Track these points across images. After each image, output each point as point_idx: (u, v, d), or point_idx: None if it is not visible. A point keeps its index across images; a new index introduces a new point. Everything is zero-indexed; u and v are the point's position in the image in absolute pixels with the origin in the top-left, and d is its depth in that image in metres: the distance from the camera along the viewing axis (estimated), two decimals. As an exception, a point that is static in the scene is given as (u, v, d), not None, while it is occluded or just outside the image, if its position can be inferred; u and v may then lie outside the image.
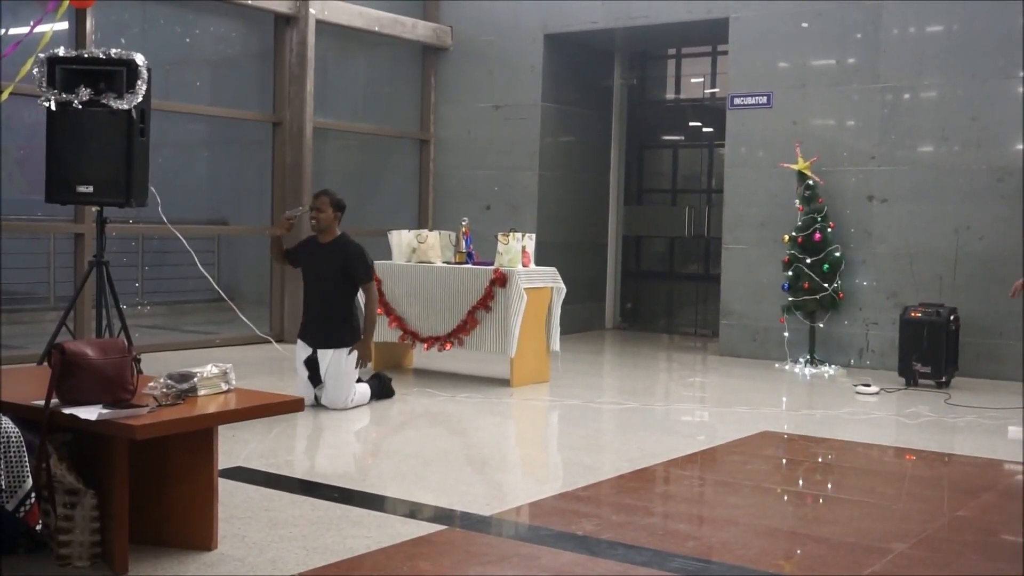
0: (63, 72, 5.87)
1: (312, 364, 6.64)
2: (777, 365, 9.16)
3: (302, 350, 6.71)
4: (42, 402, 3.52)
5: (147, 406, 3.60)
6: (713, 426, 6.69)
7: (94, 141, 5.94)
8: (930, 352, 8.13)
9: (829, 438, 6.26)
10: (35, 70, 5.93)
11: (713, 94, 12.05)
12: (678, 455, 5.68)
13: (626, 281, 12.34)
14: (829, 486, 5.36)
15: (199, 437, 3.80)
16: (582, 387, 7.86)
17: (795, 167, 9.11)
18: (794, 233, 9.05)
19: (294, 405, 4.10)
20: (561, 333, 8.00)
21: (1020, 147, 8.52)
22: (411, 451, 5.69)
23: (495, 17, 11.16)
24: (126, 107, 5.90)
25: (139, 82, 5.92)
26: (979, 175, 8.67)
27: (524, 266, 7.66)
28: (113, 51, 5.93)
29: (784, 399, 7.72)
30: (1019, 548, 4.19)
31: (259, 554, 3.81)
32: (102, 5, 8.48)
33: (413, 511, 4.48)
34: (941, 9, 8.83)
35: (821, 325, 9.14)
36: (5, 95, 6.51)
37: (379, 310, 7.97)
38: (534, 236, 8.03)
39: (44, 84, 5.89)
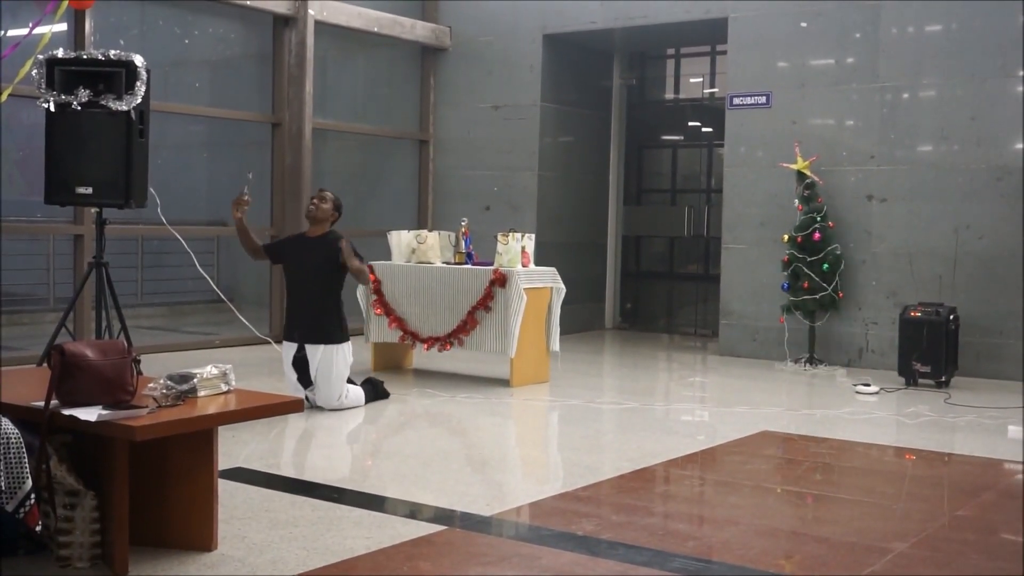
0: (62, 73, 5.87)
1: (301, 363, 6.61)
2: (777, 365, 9.16)
3: (288, 349, 6.66)
4: (42, 403, 3.51)
5: (147, 407, 3.60)
6: (713, 426, 6.69)
7: (93, 142, 5.94)
8: (930, 351, 8.12)
9: (829, 438, 6.26)
10: (34, 71, 5.93)
11: (712, 94, 12.05)
12: (678, 455, 5.68)
13: (626, 281, 12.34)
14: (829, 486, 5.36)
15: (199, 438, 3.80)
16: (582, 387, 7.86)
17: (794, 167, 9.11)
18: (793, 233, 9.05)
19: (294, 406, 4.10)
20: (561, 333, 8.00)
21: (1019, 146, 8.52)
22: (411, 451, 5.69)
23: (494, 17, 11.16)
24: (125, 108, 5.90)
25: (138, 83, 5.92)
26: (978, 174, 8.67)
27: (524, 266, 7.66)
28: (112, 52, 5.93)
29: (784, 399, 7.71)
30: (1019, 547, 4.19)
31: (259, 555, 3.81)
32: (101, 6, 8.48)
33: (413, 511, 4.48)
34: (940, 9, 8.83)
35: (821, 325, 9.14)
36: (4, 96, 6.52)
37: (378, 310, 7.98)
38: (534, 236, 8.03)
39: (43, 85, 5.88)
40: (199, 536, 3.82)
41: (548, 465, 5.78)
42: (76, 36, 8.34)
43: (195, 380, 3.82)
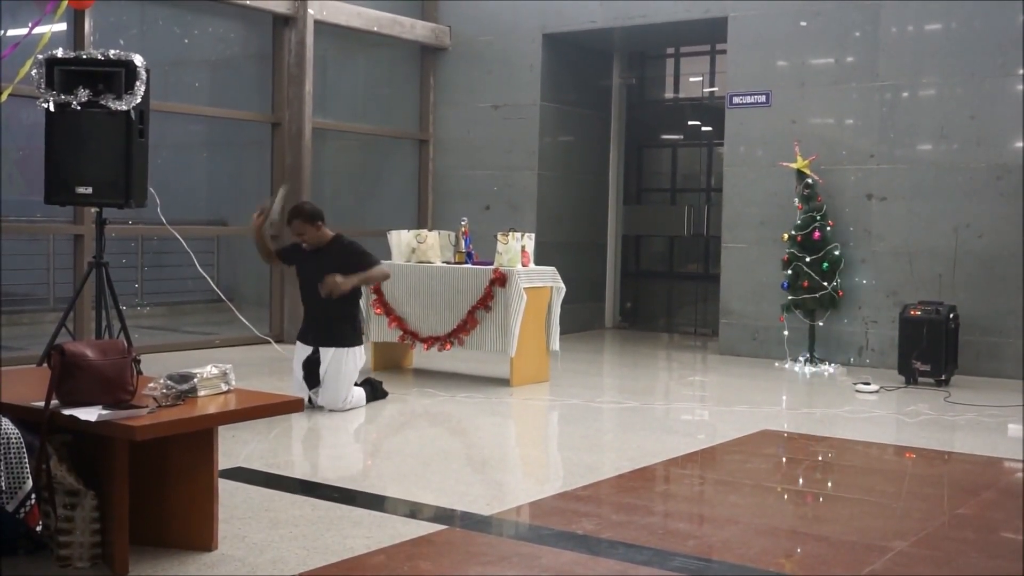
0: (62, 73, 5.86)
1: (312, 364, 6.63)
2: (777, 364, 9.16)
3: (301, 351, 6.70)
4: (42, 403, 3.51)
5: (147, 407, 3.60)
6: (713, 425, 6.69)
7: (93, 142, 5.93)
8: (930, 350, 8.12)
9: (829, 436, 6.27)
10: (34, 71, 5.93)
11: (712, 93, 12.05)
12: (678, 454, 5.68)
13: (626, 281, 12.34)
14: (829, 485, 5.36)
15: (199, 438, 3.80)
16: (582, 387, 7.86)
17: (794, 166, 9.11)
18: (793, 232, 9.05)
19: (294, 405, 4.10)
20: (561, 333, 8.00)
21: (1019, 145, 8.52)
22: (411, 451, 5.69)
23: (494, 17, 11.16)
24: (125, 108, 5.90)
25: (138, 83, 5.91)
26: (978, 173, 8.67)
27: (524, 266, 7.66)
28: (112, 52, 5.92)
29: (784, 398, 7.72)
30: (1019, 546, 4.19)
31: (259, 554, 3.81)
32: (101, 6, 8.47)
33: (413, 511, 4.48)
34: (940, 8, 8.83)
35: (821, 324, 9.14)
36: (4, 96, 6.51)
37: (378, 310, 7.98)
38: (533, 236, 8.03)
39: (43, 85, 5.88)
40: (199, 536, 3.82)
41: (548, 464, 5.78)
42: (76, 36, 8.34)
43: (195, 380, 3.82)
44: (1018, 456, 5.77)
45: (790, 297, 9.08)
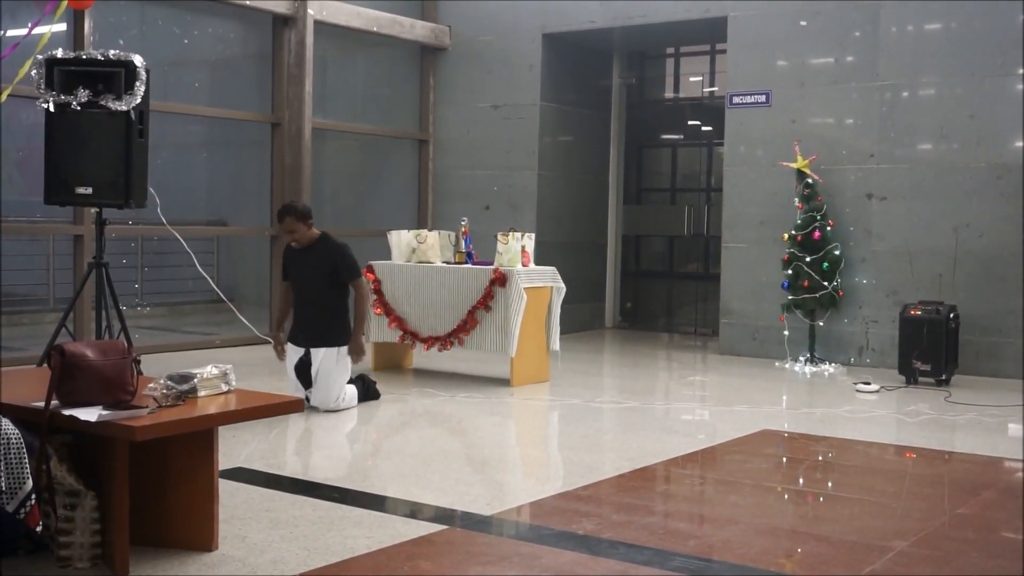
0: (61, 74, 5.86)
1: (304, 366, 6.63)
2: (777, 364, 9.16)
3: (293, 353, 6.69)
4: (42, 404, 3.51)
5: (147, 407, 3.60)
6: (713, 425, 6.69)
7: (93, 142, 5.93)
8: (930, 350, 8.12)
9: (829, 436, 6.27)
10: (33, 72, 5.93)
11: (712, 93, 12.06)
12: (678, 454, 5.68)
13: (626, 280, 12.34)
14: (829, 484, 5.36)
15: (199, 438, 3.80)
16: (582, 386, 7.86)
17: (794, 165, 9.11)
18: (793, 231, 9.05)
19: (294, 406, 4.10)
20: (561, 333, 8.00)
21: (1019, 144, 8.52)
22: (411, 451, 5.69)
23: (494, 17, 11.16)
24: (125, 108, 5.90)
25: (137, 83, 5.91)
26: (978, 173, 8.67)
27: (524, 266, 7.66)
28: (111, 52, 5.93)
29: (784, 397, 7.72)
30: (1019, 546, 4.19)
31: (260, 555, 3.81)
32: (100, 6, 8.48)
33: (414, 511, 4.48)
34: (939, 7, 8.83)
35: (821, 323, 9.14)
36: (4, 97, 6.51)
37: (378, 310, 7.97)
38: (533, 236, 8.03)
39: (42, 86, 5.88)
40: (199, 536, 3.82)
41: (548, 464, 5.78)
42: (75, 36, 8.34)
43: (195, 380, 3.82)
44: (1018, 456, 5.77)
45: (790, 297, 9.08)
